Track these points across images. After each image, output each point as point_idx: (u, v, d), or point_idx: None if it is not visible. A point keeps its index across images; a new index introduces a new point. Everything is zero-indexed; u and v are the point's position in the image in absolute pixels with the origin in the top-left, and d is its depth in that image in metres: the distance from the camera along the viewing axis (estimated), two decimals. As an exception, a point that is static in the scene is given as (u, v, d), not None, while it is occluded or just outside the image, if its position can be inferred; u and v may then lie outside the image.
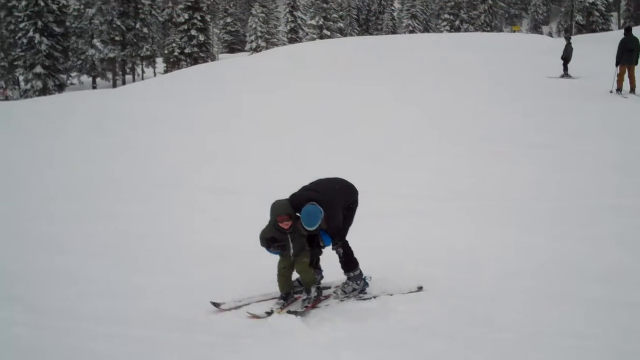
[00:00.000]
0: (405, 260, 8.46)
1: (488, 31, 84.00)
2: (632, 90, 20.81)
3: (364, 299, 7.27)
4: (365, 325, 6.55)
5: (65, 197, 13.34)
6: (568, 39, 27.15)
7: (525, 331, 6.13)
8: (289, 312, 6.99)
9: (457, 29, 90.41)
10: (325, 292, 7.45)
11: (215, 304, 7.26)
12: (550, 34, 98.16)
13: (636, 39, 20.88)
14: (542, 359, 5.66)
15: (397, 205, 11.57)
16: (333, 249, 7.19)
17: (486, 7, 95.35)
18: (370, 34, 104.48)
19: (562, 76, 26.02)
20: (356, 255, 7.34)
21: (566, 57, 26.11)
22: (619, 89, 20.88)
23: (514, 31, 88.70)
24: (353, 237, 7.33)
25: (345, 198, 7.15)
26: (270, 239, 7.11)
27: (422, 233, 9.87)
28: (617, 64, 20.92)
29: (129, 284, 8.16)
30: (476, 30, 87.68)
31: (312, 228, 6.77)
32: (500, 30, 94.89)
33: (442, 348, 5.89)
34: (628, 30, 21.48)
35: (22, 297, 7.56)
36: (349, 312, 6.96)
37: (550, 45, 36.12)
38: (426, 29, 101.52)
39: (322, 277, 7.51)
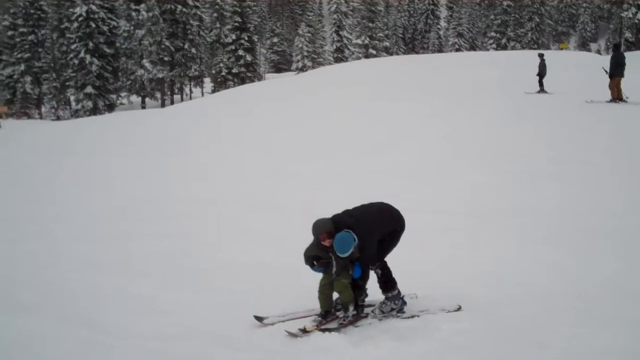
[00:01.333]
0: (446, 279, 8.43)
1: (535, 49, 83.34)
2: (620, 99, 23.07)
3: (404, 318, 7.25)
4: (408, 343, 6.51)
5: (109, 217, 13.54)
6: (541, 56, 28.62)
7: (572, 351, 6.05)
8: (322, 329, 7.01)
9: (504, 47, 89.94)
10: (366, 310, 7.44)
11: (259, 318, 7.32)
12: (598, 52, 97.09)
13: (624, 55, 23.51)
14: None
15: (437, 222, 11.51)
16: (371, 269, 7.21)
17: (533, 25, 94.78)
18: (417, 52, 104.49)
19: (539, 92, 27.58)
20: (396, 274, 7.35)
21: (540, 73, 27.83)
22: (619, 98, 23.07)
23: (562, 49, 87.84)
24: (394, 255, 7.34)
25: (386, 226, 7.16)
26: (314, 257, 7.18)
27: (462, 251, 9.79)
28: (611, 77, 23.16)
29: (173, 301, 8.25)
30: (523, 48, 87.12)
31: (343, 255, 6.83)
32: (548, 48, 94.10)
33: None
34: (617, 47, 24.30)
35: (72, 315, 7.71)
36: (391, 330, 6.93)
37: (598, 62, 35.68)
38: (472, 47, 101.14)
39: (366, 295, 7.51)
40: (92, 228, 12.57)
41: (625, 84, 23.31)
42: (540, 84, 27.71)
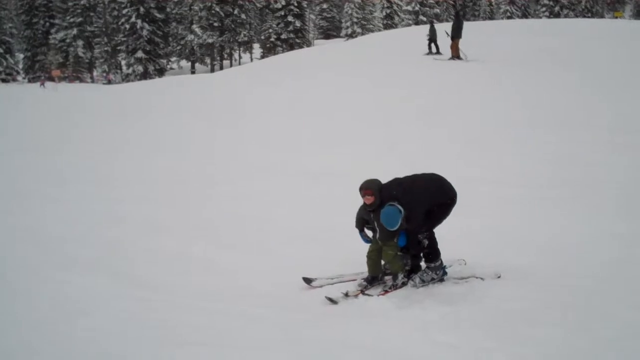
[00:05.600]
0: (498, 247, 8.46)
1: (589, 17, 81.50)
2: (458, 57, 28.04)
3: (453, 283, 7.32)
4: (457, 308, 6.55)
5: (166, 181, 13.78)
6: (432, 22, 33.10)
7: (629, 321, 5.97)
8: (364, 294, 7.11)
9: (557, 15, 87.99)
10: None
11: (307, 280, 7.48)
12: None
13: (463, 21, 28.74)
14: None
15: (493, 191, 11.49)
16: (419, 238, 7.26)
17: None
18: (467, 20, 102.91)
19: (427, 54, 30.73)
20: (449, 240, 7.41)
21: (431, 37, 30.84)
22: (457, 56, 28.03)
23: (616, 17, 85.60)
24: (448, 223, 7.39)
25: (434, 197, 7.17)
26: (361, 220, 7.31)
27: (518, 220, 9.80)
28: (452, 39, 28.16)
29: (227, 262, 8.47)
30: (576, 16, 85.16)
31: (393, 229, 6.92)
32: (602, 17, 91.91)
33: (539, 334, 5.79)
34: (458, 14, 29.88)
35: (129, 274, 7.93)
36: (438, 294, 7.00)
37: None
38: (525, 15, 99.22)
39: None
40: (150, 192, 12.81)
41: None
42: (429, 47, 30.78)
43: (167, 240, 9.48)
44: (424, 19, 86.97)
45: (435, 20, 35.42)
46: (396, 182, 7.22)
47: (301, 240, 9.33)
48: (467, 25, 29.59)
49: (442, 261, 7.40)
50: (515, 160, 13.74)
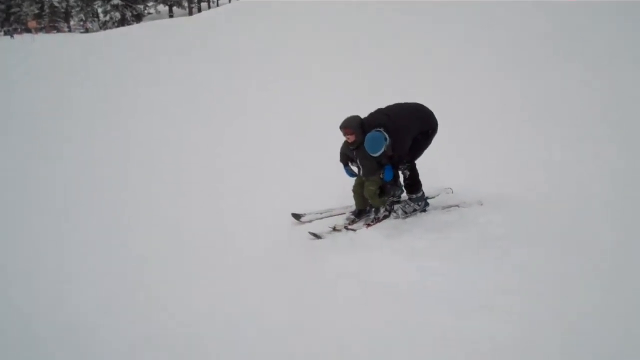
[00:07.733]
0: (486, 177, 8.44)
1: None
2: None
3: (442, 211, 7.39)
4: (446, 235, 6.63)
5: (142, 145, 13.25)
6: None
7: (611, 241, 6.05)
8: (347, 229, 7.16)
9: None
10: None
11: (296, 216, 7.53)
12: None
13: None
14: (633, 273, 5.49)
15: (478, 126, 11.40)
16: (400, 170, 7.28)
17: None
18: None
19: None
20: (437, 170, 7.45)
21: None
22: None
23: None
24: (432, 152, 7.40)
25: (419, 125, 7.08)
26: (344, 155, 7.36)
27: (501, 151, 9.68)
28: None
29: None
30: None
31: (375, 154, 6.84)
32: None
33: (526, 256, 5.90)
34: None
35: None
36: (426, 223, 7.06)
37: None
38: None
39: (401, 191, 7.56)
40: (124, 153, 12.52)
41: None
42: None
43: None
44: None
45: None
46: (381, 112, 7.12)
47: (285, 179, 9.37)
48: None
49: (423, 192, 7.44)
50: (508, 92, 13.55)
